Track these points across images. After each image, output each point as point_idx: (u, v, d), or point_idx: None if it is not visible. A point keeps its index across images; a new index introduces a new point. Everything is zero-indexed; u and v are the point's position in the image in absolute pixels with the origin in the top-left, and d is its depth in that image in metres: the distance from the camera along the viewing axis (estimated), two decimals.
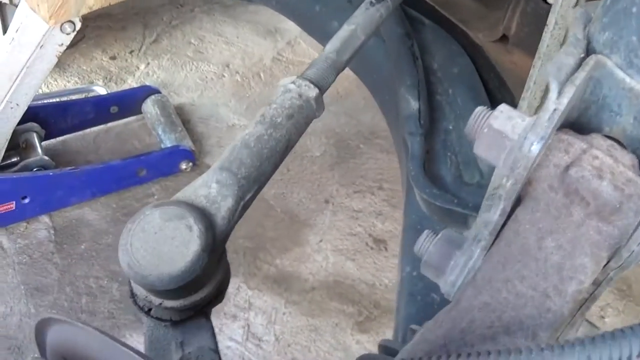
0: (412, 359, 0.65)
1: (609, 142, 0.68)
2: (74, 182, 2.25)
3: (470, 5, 1.51)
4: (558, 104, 0.63)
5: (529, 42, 1.42)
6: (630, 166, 0.65)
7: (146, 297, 0.93)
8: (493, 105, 1.46)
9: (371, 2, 1.18)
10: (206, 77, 2.83)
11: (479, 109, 0.71)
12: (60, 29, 1.82)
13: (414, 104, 1.36)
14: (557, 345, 0.55)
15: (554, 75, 0.64)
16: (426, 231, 0.84)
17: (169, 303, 0.91)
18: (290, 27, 3.05)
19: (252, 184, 0.95)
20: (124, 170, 2.33)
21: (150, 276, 0.85)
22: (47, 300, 2.08)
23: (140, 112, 2.60)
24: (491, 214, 0.72)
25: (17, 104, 1.96)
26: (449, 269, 0.79)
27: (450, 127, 1.39)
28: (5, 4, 1.93)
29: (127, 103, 2.58)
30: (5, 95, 1.93)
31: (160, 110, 2.52)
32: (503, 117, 0.68)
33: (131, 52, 2.90)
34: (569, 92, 0.64)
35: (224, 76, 2.84)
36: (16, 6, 1.82)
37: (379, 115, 2.72)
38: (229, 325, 2.07)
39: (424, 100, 1.37)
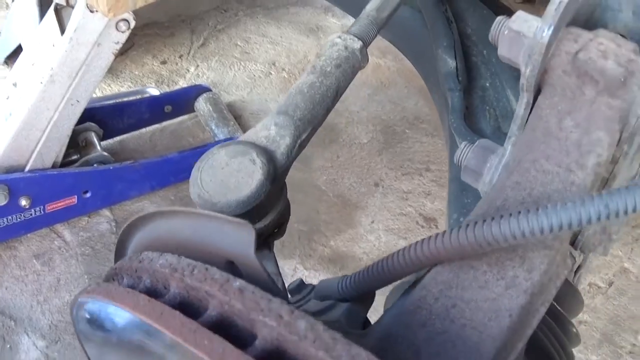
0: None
1: (613, 34, 0.77)
2: (133, 175, 2.32)
3: None
4: None
5: None
6: (631, 50, 0.75)
7: None
8: None
9: None
10: (254, 75, 2.93)
11: (499, 18, 0.82)
12: (116, 28, 1.93)
13: (451, 63, 1.46)
14: (579, 199, 0.64)
15: None
16: (463, 142, 0.94)
17: None
18: (331, 25, 3.16)
19: (306, 125, 1.05)
20: (182, 163, 2.40)
21: (219, 203, 0.95)
22: None
23: (193, 111, 2.68)
24: (517, 109, 0.82)
25: (78, 101, 2.05)
26: (485, 170, 0.89)
27: (487, 85, 1.48)
28: (62, 6, 2.03)
29: (180, 102, 2.67)
30: (66, 93, 2.02)
31: (212, 106, 2.61)
32: (520, 21, 0.79)
33: (180, 56, 3.01)
34: None
35: (271, 74, 2.94)
36: (73, 7, 1.94)
37: (423, 101, 2.82)
38: None
39: (460, 58, 1.47)
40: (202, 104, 2.64)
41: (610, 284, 2.32)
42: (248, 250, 0.63)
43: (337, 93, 1.10)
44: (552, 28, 0.74)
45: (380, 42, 2.89)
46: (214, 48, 3.06)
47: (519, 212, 0.66)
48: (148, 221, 0.74)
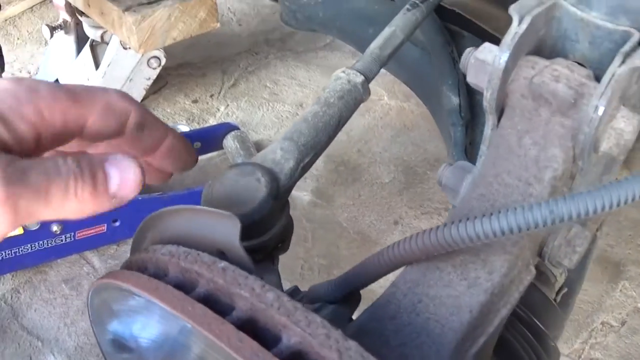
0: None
1: (570, 62, 0.87)
2: (161, 207, 2.35)
3: (503, 15, 1.69)
4: (518, 29, 0.84)
5: None
6: (584, 76, 0.85)
7: None
8: None
9: (407, 9, 1.39)
10: (281, 115, 3.04)
11: (468, 49, 0.92)
12: (148, 64, 2.06)
13: (455, 100, 1.57)
14: (527, 205, 0.73)
15: (516, 11, 0.86)
16: (444, 163, 1.04)
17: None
18: None
19: (309, 150, 1.14)
20: None
21: None
22: None
23: (222, 148, 2.76)
24: (485, 130, 0.92)
25: None
26: (462, 188, 0.99)
27: None
28: (98, 43, 2.17)
29: (209, 139, 2.74)
30: None
31: (240, 144, 2.71)
32: (486, 51, 0.89)
33: (211, 95, 3.13)
34: (527, 20, 0.85)
35: (298, 115, 3.03)
36: (107, 44, 2.07)
37: (444, 144, 2.90)
38: None
39: (464, 96, 1.57)
40: (230, 142, 2.72)
41: (623, 323, 2.37)
42: (233, 239, 0.73)
43: (339, 122, 1.20)
44: (507, 55, 0.84)
45: (404, 87, 2.99)
46: (244, 89, 3.17)
47: (475, 217, 0.75)
48: (158, 220, 0.85)
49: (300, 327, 0.60)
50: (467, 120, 1.56)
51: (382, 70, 2.83)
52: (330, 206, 2.68)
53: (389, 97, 3.10)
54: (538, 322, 1.11)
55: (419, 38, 1.71)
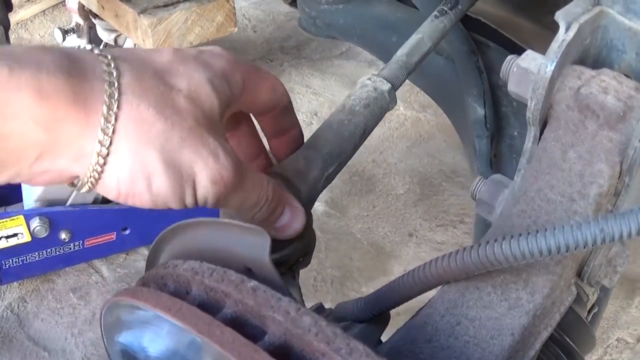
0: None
1: (616, 73, 0.82)
2: (174, 216, 2.35)
3: (529, 26, 1.65)
4: (565, 36, 0.80)
5: None
6: (632, 88, 0.80)
7: None
8: None
9: (435, 15, 1.34)
10: None
11: (510, 56, 0.87)
12: None
13: (480, 111, 1.51)
14: (575, 223, 0.69)
15: (562, 18, 0.81)
16: (478, 177, 0.99)
17: None
18: None
19: (334, 159, 1.09)
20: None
21: None
22: None
23: None
24: (526, 143, 0.87)
25: None
26: (497, 203, 0.94)
27: (516, 134, 1.53)
28: (111, 46, 2.12)
29: None
30: None
31: None
32: (529, 59, 0.84)
33: None
34: (574, 28, 0.80)
35: (312, 123, 3.00)
36: (120, 47, 2.02)
37: (460, 156, 2.86)
38: None
39: (489, 107, 1.52)
40: None
41: (639, 339, 2.33)
42: (263, 256, 0.69)
43: (365, 131, 1.15)
44: (554, 64, 0.79)
45: (420, 97, 2.96)
46: None
47: (520, 235, 0.71)
48: (176, 233, 0.80)
49: (341, 355, 0.55)
50: (493, 131, 1.51)
51: None
52: (344, 217, 2.64)
53: (404, 107, 3.06)
54: (571, 343, 1.06)
55: (443, 47, 1.67)
